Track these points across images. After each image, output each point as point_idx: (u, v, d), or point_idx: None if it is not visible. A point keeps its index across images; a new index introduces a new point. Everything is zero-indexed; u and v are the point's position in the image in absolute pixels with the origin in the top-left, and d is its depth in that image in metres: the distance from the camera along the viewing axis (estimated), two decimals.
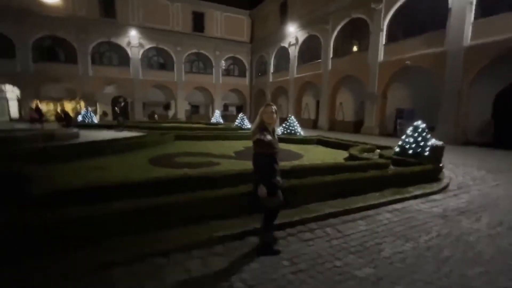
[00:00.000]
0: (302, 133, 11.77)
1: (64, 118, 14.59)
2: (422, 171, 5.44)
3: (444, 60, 13.22)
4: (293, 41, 24.75)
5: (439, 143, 6.60)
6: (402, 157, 6.36)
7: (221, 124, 18.76)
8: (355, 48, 19.76)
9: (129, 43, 25.48)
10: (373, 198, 4.31)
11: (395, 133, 15.94)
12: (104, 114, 24.28)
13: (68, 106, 23.81)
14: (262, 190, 2.52)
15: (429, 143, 6.35)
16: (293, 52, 24.97)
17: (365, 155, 7.19)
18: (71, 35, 23.17)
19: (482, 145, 12.38)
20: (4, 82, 22.27)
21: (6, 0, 20.24)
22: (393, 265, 2.56)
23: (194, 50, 28.79)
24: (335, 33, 20.31)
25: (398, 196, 4.46)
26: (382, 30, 16.51)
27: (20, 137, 8.66)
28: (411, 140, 6.53)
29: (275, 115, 2.64)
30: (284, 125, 11.84)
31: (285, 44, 25.99)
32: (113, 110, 26.13)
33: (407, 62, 15.00)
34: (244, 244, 2.86)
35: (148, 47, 26.58)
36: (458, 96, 12.80)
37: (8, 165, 4.64)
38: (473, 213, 4.04)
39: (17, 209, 2.81)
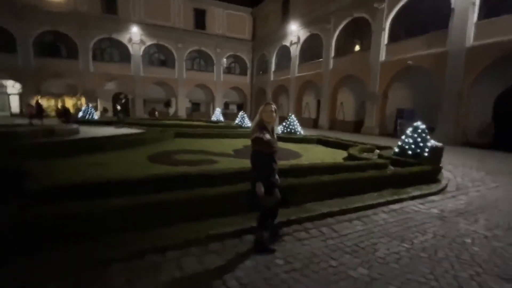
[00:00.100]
0: (302, 132, 11.75)
1: (64, 114, 14.60)
2: (421, 172, 5.44)
3: (445, 60, 13.17)
4: (294, 39, 24.67)
5: (439, 144, 6.59)
6: (401, 158, 6.35)
7: (221, 122, 18.75)
8: (356, 48, 19.70)
9: (130, 40, 25.45)
10: (371, 198, 4.31)
11: (395, 133, 15.90)
12: (105, 110, 24.32)
13: (69, 102, 23.87)
14: (260, 189, 2.52)
15: (429, 144, 6.34)
16: (295, 51, 24.90)
17: (365, 155, 7.18)
18: (72, 31, 23.15)
19: (482, 146, 12.35)
20: (5, 77, 22.31)
21: None
22: (388, 265, 2.56)
23: (195, 47, 28.75)
24: (337, 32, 20.23)
25: (396, 197, 4.46)
26: (384, 29, 16.43)
27: (20, 132, 8.68)
28: (411, 140, 6.53)
29: (274, 114, 2.65)
30: (284, 124, 11.82)
31: (287, 43, 25.91)
32: (114, 106, 26.18)
33: (409, 62, 14.95)
34: (240, 242, 2.87)
35: (149, 43, 26.55)
36: (458, 97, 12.75)
37: (8, 161, 4.66)
38: (471, 215, 4.03)
39: (16, 205, 2.82)
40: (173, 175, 3.94)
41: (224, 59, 30.81)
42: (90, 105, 18.23)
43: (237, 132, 12.08)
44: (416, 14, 14.85)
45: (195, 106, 31.40)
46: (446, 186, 5.43)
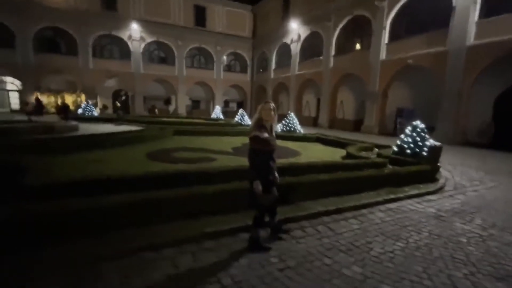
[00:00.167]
0: (301, 130, 11.75)
1: (63, 111, 14.61)
2: (419, 171, 5.44)
3: (445, 59, 13.12)
4: (295, 37, 24.57)
5: (437, 143, 6.59)
6: (400, 157, 6.36)
7: (221, 120, 18.74)
8: (357, 46, 19.61)
9: (130, 37, 25.36)
10: (368, 197, 4.32)
11: (395, 132, 15.88)
12: (104, 107, 24.30)
13: (69, 99, 23.85)
14: (258, 187, 2.53)
15: (427, 143, 6.33)
16: (295, 49, 24.81)
17: (363, 154, 7.20)
18: (72, 27, 23.06)
19: (482, 146, 12.34)
20: (4, 74, 22.27)
21: None
22: (382, 264, 2.57)
23: (196, 45, 28.64)
24: (337, 30, 20.15)
25: (393, 196, 4.47)
26: (384, 28, 16.36)
27: (19, 128, 8.70)
28: (410, 139, 6.53)
29: (273, 113, 2.66)
30: (283, 122, 11.81)
31: (287, 41, 25.82)
32: (114, 103, 26.16)
33: (409, 61, 14.90)
34: (236, 240, 2.88)
35: (149, 40, 26.45)
36: (458, 96, 12.72)
37: (7, 157, 4.67)
38: (467, 214, 4.04)
39: (14, 201, 2.83)
40: (170, 173, 3.96)
41: (224, 57, 30.72)
42: (90, 102, 18.23)
43: (237, 130, 12.08)
44: (417, 12, 14.78)
45: (195, 103, 31.35)
46: (443, 186, 5.44)
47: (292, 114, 12.11)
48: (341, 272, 2.39)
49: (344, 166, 5.20)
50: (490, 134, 12.82)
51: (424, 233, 3.31)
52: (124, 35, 25.22)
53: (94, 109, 17.66)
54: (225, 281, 2.18)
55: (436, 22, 13.62)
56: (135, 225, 2.86)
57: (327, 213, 3.67)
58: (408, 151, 6.43)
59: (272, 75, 28.72)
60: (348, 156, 6.89)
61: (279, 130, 11.38)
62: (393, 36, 16.26)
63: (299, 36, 24.23)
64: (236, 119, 16.52)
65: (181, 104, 28.72)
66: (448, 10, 12.91)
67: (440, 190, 5.22)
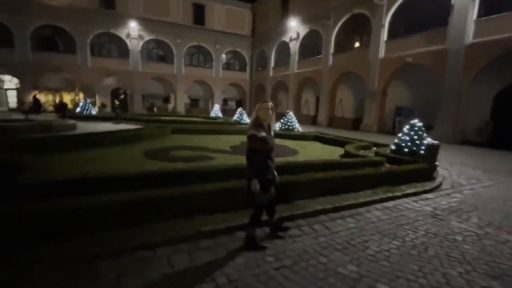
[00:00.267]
0: (300, 129, 11.74)
1: (60, 109, 14.57)
2: (416, 170, 5.44)
3: (444, 58, 13.12)
4: (294, 36, 24.51)
5: (435, 142, 6.59)
6: (397, 155, 6.37)
7: (219, 118, 18.72)
8: (356, 44, 19.58)
9: (128, 35, 25.25)
10: (364, 195, 4.32)
11: (394, 131, 15.91)
12: (103, 106, 24.23)
13: (67, 98, 23.79)
14: (255, 186, 2.53)
15: (425, 141, 6.34)
16: (294, 47, 24.76)
17: (361, 152, 7.19)
18: (70, 25, 22.93)
19: (481, 144, 12.37)
20: (2, 72, 22.18)
21: None
22: (378, 262, 2.57)
23: (194, 43, 28.54)
24: (337, 28, 20.11)
25: (389, 194, 4.47)
26: (383, 26, 16.34)
27: (17, 127, 8.67)
28: (407, 138, 6.54)
29: (270, 112, 2.65)
30: (282, 120, 11.80)
31: (286, 39, 25.76)
32: (112, 102, 26.08)
33: (408, 59, 14.89)
34: (232, 239, 2.88)
35: (148, 39, 26.34)
36: (457, 95, 12.73)
37: (4, 155, 4.66)
38: (464, 213, 4.05)
39: (11, 200, 2.82)
40: (166, 171, 3.94)
41: (223, 55, 30.64)
42: (88, 100, 18.17)
43: (235, 128, 12.06)
44: (416, 11, 14.75)
45: (194, 102, 31.29)
46: (441, 184, 5.45)
47: (290, 112, 12.10)
48: (336, 271, 2.39)
49: (342, 165, 5.20)
50: (488, 133, 12.85)
51: (420, 231, 3.32)
52: (122, 33, 25.11)
53: (93, 108, 17.61)
54: (220, 280, 2.18)
55: (435, 20, 13.60)
56: (132, 224, 2.85)
57: (324, 211, 3.67)
58: (406, 149, 6.44)
59: (271, 74, 28.68)
60: (346, 154, 6.89)
61: (277, 128, 11.36)
62: (392, 34, 16.25)
63: (298, 35, 24.18)
64: (234, 117, 16.51)
65: (180, 102, 28.66)
66: (447, 8, 12.90)
67: (437, 188, 5.23)
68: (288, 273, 2.32)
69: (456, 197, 4.80)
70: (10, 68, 21.71)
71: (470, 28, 12.23)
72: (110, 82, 26.17)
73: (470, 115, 13.09)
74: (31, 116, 11.89)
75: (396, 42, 15.89)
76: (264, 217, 2.89)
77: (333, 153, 7.72)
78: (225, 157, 6.34)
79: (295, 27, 24.13)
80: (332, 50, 20.63)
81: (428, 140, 6.41)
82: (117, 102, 25.30)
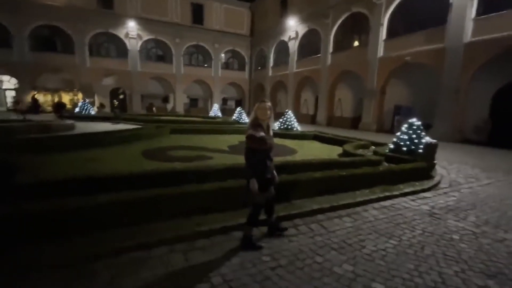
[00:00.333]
0: (299, 128, 11.73)
1: (58, 109, 14.56)
2: (414, 169, 5.44)
3: (443, 56, 13.11)
4: (293, 35, 24.48)
5: (433, 140, 6.59)
6: (396, 154, 6.36)
7: (218, 118, 18.70)
8: (355, 43, 19.55)
9: (127, 35, 25.19)
10: (361, 195, 4.32)
11: (393, 130, 15.90)
12: (102, 106, 24.21)
13: (66, 98, 23.76)
14: (254, 185, 2.53)
15: (423, 140, 6.34)
16: (293, 46, 24.73)
17: (360, 151, 7.19)
18: (68, 25, 22.87)
19: (479, 143, 12.37)
20: (1, 72, 22.13)
21: None
22: (374, 261, 2.57)
23: (193, 43, 28.49)
24: (335, 27, 20.09)
25: (387, 193, 4.47)
26: (382, 25, 16.32)
27: (16, 127, 8.65)
28: (405, 137, 6.53)
29: (268, 112, 2.65)
30: (281, 120, 11.79)
31: (285, 38, 25.72)
32: (111, 102, 26.06)
33: (407, 58, 14.88)
34: (228, 238, 2.87)
35: (147, 38, 26.28)
36: (456, 93, 12.73)
37: (2, 155, 4.64)
38: (461, 211, 4.05)
39: (8, 200, 2.81)
40: (163, 171, 3.93)
41: (222, 55, 30.60)
42: (87, 100, 18.13)
43: (234, 128, 12.05)
44: (415, 9, 14.72)
45: (193, 101, 31.25)
46: (438, 183, 5.45)
47: (289, 112, 12.08)
48: (332, 270, 2.38)
49: (340, 164, 5.19)
50: (487, 131, 12.85)
51: (417, 230, 3.31)
52: (121, 33, 25.05)
53: (91, 108, 17.57)
54: (216, 280, 2.17)
55: (434, 19, 13.58)
56: (128, 224, 2.85)
57: (321, 211, 3.67)
58: (404, 148, 6.44)
59: (270, 73, 28.65)
60: (345, 154, 6.88)
61: (276, 128, 11.35)
62: (391, 33, 16.23)
63: (297, 34, 24.15)
64: (234, 117, 16.49)
65: (179, 102, 28.63)
66: (445, 7, 12.88)
67: (435, 187, 5.22)
68: (283, 272, 2.32)
69: (454, 196, 4.80)
70: (8, 68, 21.65)
71: (469, 27, 12.22)
72: (109, 82, 26.12)
73: (468, 114, 13.09)
74: (29, 116, 11.87)
75: (394, 41, 15.87)
76: (263, 216, 2.88)
77: (332, 152, 7.71)
78: (223, 156, 6.34)
79: (294, 26, 24.09)
80: (331, 49, 20.60)
81: (427, 139, 6.41)
82: (116, 102, 25.29)
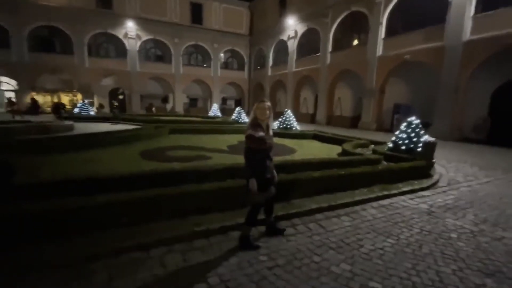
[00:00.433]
0: (298, 127, 11.73)
1: (57, 110, 14.55)
2: (412, 167, 5.44)
3: (442, 55, 13.10)
4: (292, 34, 24.46)
5: (432, 139, 6.59)
6: (395, 153, 6.36)
7: (218, 117, 18.69)
8: (354, 42, 19.54)
9: (126, 35, 25.17)
10: (360, 194, 4.32)
11: (392, 129, 15.89)
12: (101, 106, 24.21)
13: (65, 98, 23.74)
14: (253, 185, 2.54)
15: (422, 139, 6.34)
16: (292, 45, 24.71)
17: (359, 150, 7.19)
18: (67, 26, 22.85)
19: (478, 141, 12.38)
20: (0, 73, 22.10)
21: None
22: (371, 261, 2.57)
23: (192, 42, 28.47)
24: (335, 26, 20.07)
25: (386, 192, 4.47)
26: (381, 23, 16.31)
27: (14, 128, 8.66)
28: (404, 135, 6.53)
29: (268, 111, 2.65)
30: (280, 119, 11.79)
31: (284, 37, 25.70)
32: (110, 102, 26.04)
33: (406, 56, 14.87)
34: (226, 238, 2.87)
35: (146, 38, 26.27)
36: (455, 92, 12.72)
37: (1, 156, 4.64)
38: (460, 210, 4.05)
39: (6, 200, 2.82)
40: (162, 171, 3.94)
41: (222, 54, 30.57)
42: (86, 101, 18.13)
43: (233, 127, 12.05)
44: (414, 8, 14.70)
45: (193, 101, 31.23)
46: (437, 181, 5.45)
47: (289, 111, 12.07)
48: (329, 270, 2.39)
49: (339, 163, 5.19)
50: (486, 130, 12.85)
51: (415, 229, 3.32)
52: (120, 33, 25.03)
53: (91, 108, 17.57)
54: (213, 280, 2.18)
55: (433, 17, 13.56)
56: (127, 224, 2.85)
57: (320, 210, 3.67)
58: (403, 147, 6.44)
59: (270, 72, 28.63)
60: (344, 153, 6.88)
61: (276, 127, 11.35)
62: (390, 32, 16.21)
63: (296, 33, 24.13)
64: (233, 116, 16.48)
65: (178, 102, 28.62)
66: (444, 5, 12.86)
67: (434, 186, 5.23)
68: (280, 272, 2.32)
69: (452, 194, 4.80)
70: (7, 69, 21.64)
71: (468, 25, 12.21)
72: (108, 82, 26.11)
73: (467, 112, 13.09)
74: (27, 117, 11.86)
75: (394, 39, 15.86)
76: (261, 216, 2.89)
77: (331, 151, 7.71)
78: (222, 156, 6.34)
79: (293, 26, 24.06)
80: (330, 48, 20.59)
81: (425, 138, 6.41)
82: (115, 103, 25.27)
